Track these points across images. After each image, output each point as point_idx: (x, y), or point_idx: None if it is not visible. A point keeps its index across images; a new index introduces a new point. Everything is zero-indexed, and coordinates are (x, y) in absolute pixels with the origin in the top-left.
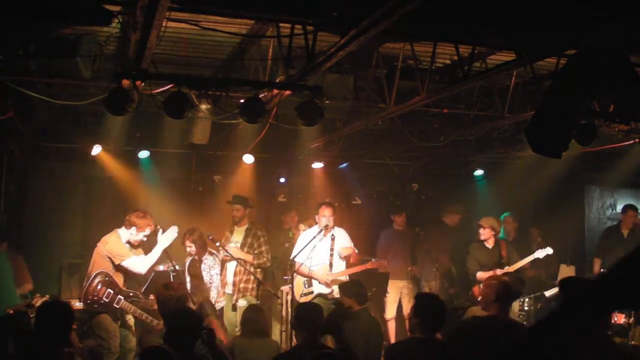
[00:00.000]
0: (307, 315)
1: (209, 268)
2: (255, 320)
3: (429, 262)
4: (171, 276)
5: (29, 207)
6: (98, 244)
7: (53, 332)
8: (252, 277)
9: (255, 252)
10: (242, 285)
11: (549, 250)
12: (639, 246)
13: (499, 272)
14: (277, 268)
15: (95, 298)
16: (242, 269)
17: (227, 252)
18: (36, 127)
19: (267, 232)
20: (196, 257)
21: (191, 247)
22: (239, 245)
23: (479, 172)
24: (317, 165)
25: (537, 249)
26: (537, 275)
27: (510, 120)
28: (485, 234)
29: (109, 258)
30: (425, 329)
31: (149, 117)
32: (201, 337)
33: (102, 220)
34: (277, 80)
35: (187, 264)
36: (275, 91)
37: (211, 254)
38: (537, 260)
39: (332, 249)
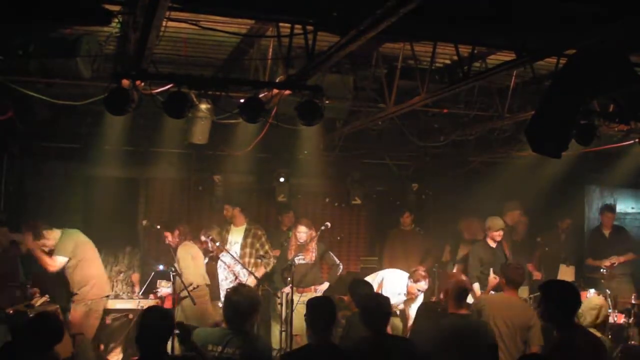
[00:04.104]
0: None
1: (227, 266)
2: None
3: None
4: (171, 276)
5: (29, 207)
6: None
7: (42, 341)
8: (252, 277)
9: (260, 252)
10: None
11: None
12: None
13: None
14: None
15: None
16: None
17: (228, 252)
18: (36, 127)
19: (266, 232)
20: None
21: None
22: (239, 245)
23: None
24: (317, 165)
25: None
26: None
27: (510, 120)
28: (497, 237)
29: None
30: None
31: (149, 117)
32: (177, 337)
33: (102, 220)
34: (277, 80)
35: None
36: (275, 91)
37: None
38: (537, 259)
39: None
